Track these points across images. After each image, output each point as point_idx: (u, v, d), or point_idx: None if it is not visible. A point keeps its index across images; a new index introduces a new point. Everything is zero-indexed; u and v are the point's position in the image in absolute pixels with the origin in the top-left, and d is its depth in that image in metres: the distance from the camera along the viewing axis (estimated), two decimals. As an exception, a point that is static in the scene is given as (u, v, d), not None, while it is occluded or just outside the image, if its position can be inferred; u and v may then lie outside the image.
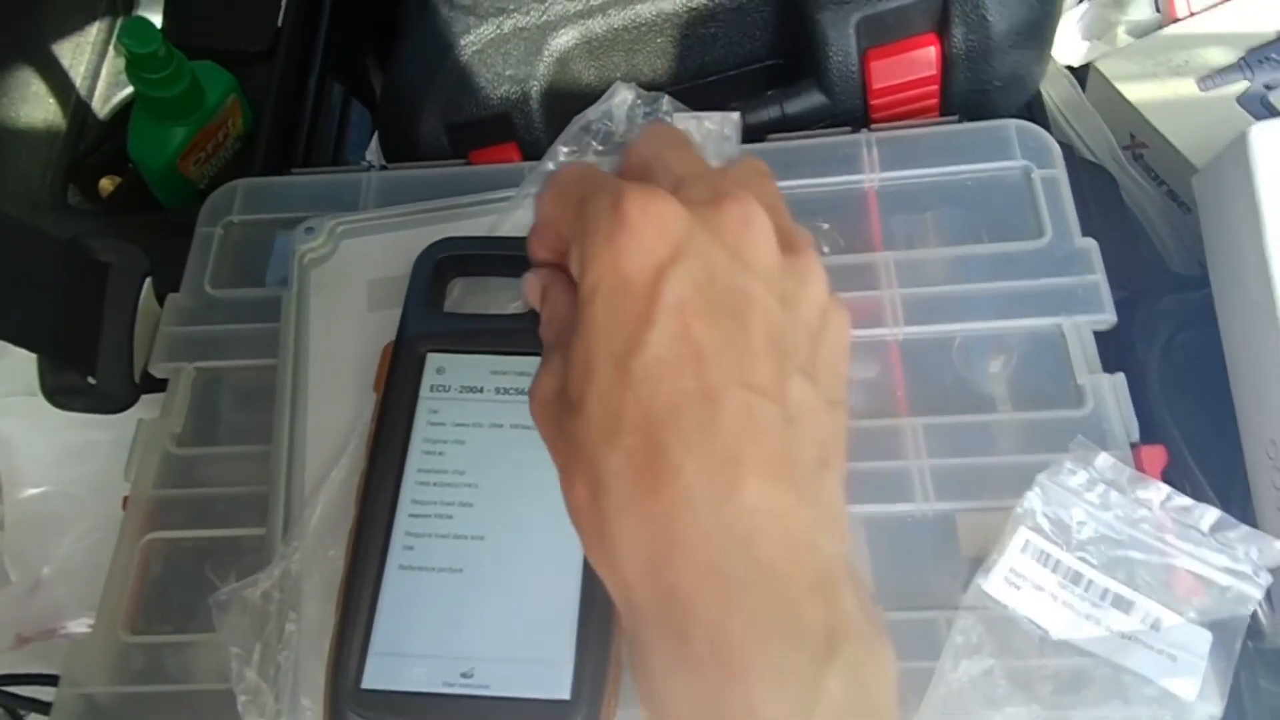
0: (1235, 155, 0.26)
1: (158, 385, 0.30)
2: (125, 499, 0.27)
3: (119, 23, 0.42)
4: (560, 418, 0.18)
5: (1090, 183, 0.35)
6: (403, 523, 0.23)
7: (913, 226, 0.30)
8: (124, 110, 0.40)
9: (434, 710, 0.21)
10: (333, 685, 0.22)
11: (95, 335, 0.28)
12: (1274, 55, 0.37)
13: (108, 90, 0.41)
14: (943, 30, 0.30)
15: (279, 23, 0.41)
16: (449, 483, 0.24)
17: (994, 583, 0.24)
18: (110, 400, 0.29)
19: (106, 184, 0.40)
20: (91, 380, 0.28)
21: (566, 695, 0.21)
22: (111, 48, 0.41)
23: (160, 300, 0.31)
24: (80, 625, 0.30)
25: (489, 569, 0.23)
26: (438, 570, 0.23)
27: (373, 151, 0.41)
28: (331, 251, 0.30)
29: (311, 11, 0.42)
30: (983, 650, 0.23)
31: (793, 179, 0.30)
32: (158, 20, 0.41)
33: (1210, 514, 0.23)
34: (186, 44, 0.36)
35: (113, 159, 0.40)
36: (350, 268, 0.29)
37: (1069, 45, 0.44)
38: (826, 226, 0.30)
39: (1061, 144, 0.36)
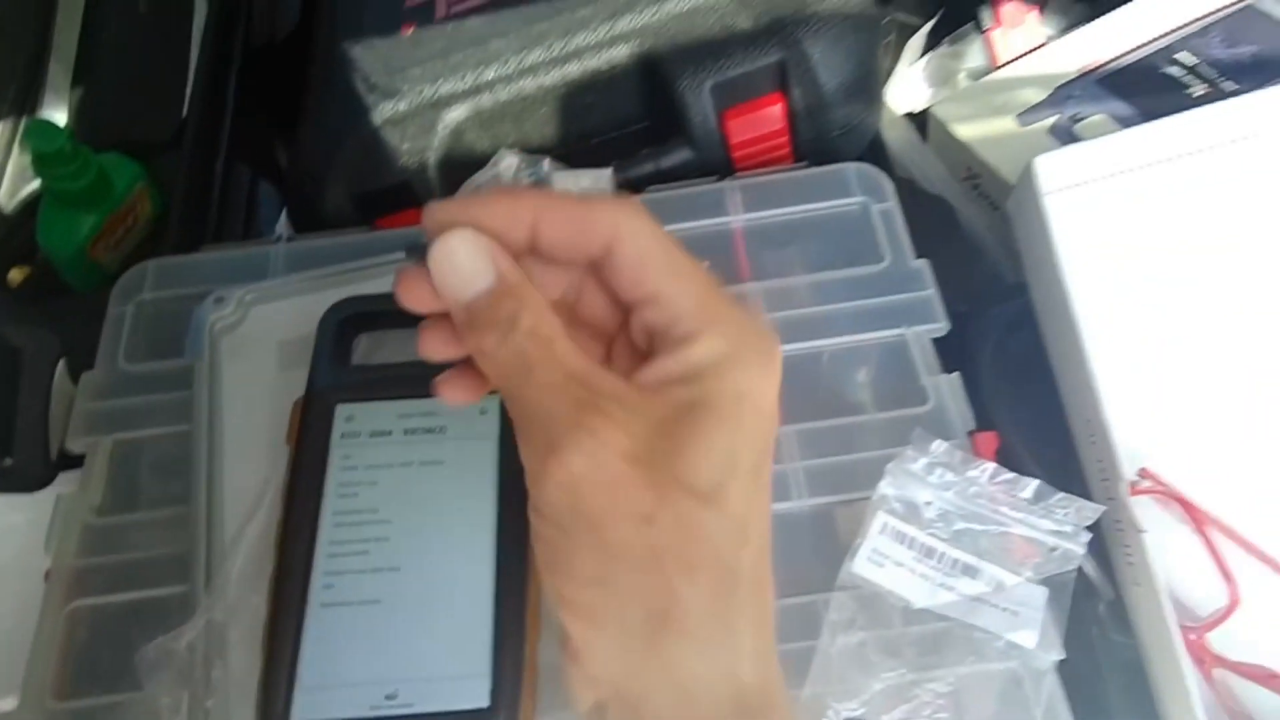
0: (1028, 181, 0.31)
1: (75, 462, 0.31)
2: (47, 572, 0.28)
3: (23, 121, 0.43)
4: (664, 499, 0.17)
5: (930, 211, 0.41)
6: (321, 563, 0.25)
7: (776, 259, 0.34)
8: (32, 203, 0.41)
9: (362, 734, 0.23)
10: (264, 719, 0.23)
11: (11, 417, 0.30)
12: (1076, 91, 0.43)
13: (14, 184, 0.42)
14: (785, 90, 0.35)
15: (183, 113, 0.43)
16: (364, 521, 0.26)
17: (860, 564, 0.27)
18: (28, 480, 0.30)
19: (16, 275, 0.41)
20: (9, 461, 0.29)
21: (486, 703, 0.23)
22: (16, 144, 0.43)
23: (75, 381, 0.32)
24: (6, 704, 0.30)
25: (406, 597, 0.25)
26: (358, 603, 0.25)
27: (282, 226, 0.43)
28: (241, 319, 0.32)
29: (216, 99, 0.45)
30: (856, 624, 0.26)
31: (669, 224, 0.34)
32: (62, 115, 0.43)
33: (1031, 484, 0.27)
34: (93, 139, 0.38)
35: (21, 249, 0.41)
36: (260, 332, 0.31)
37: (912, 93, 0.50)
38: (706, 264, 0.34)
39: (904, 179, 0.41)
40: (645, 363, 0.18)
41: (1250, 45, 0.40)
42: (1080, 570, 0.29)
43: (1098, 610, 0.31)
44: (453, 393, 0.20)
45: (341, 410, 0.27)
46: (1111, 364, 0.30)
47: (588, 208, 0.18)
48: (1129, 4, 0.43)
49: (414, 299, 0.19)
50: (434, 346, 0.19)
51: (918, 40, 0.52)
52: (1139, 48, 0.42)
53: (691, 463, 0.17)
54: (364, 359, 0.30)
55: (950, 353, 0.32)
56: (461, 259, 0.18)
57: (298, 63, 0.43)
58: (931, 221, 0.40)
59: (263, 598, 0.25)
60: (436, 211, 0.18)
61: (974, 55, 0.50)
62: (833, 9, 0.34)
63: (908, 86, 0.51)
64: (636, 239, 0.18)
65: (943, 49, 0.52)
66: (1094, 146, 0.32)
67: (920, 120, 0.46)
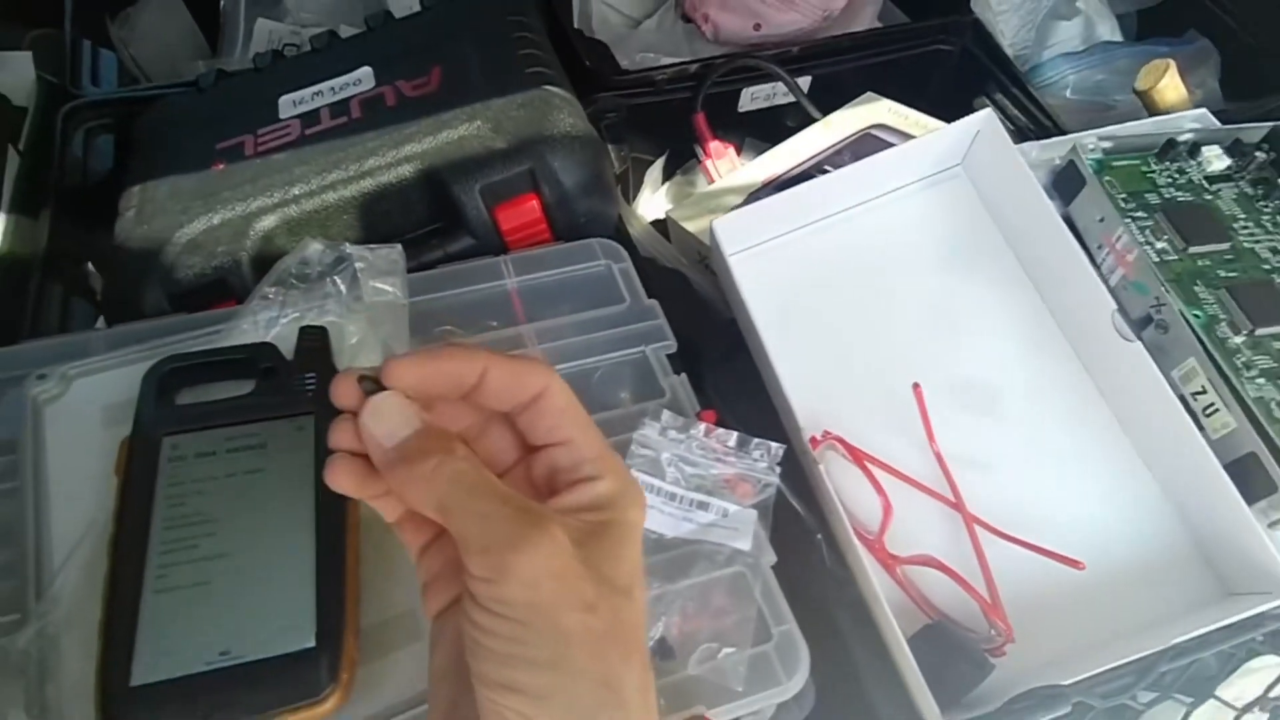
0: (715, 238, 0.43)
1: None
2: None
3: None
4: (600, 593, 0.20)
5: (669, 278, 0.53)
6: (154, 559, 0.28)
7: (546, 308, 0.43)
8: None
9: (197, 687, 0.26)
10: (103, 689, 0.25)
11: None
12: (762, 195, 0.57)
13: None
14: (537, 190, 0.46)
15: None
16: (193, 522, 0.30)
17: (621, 510, 0.34)
18: None
19: None
20: None
21: (312, 643, 0.27)
22: None
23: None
24: None
25: (235, 576, 0.29)
26: (190, 586, 0.28)
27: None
28: (64, 391, 0.35)
29: (28, 232, 0.48)
30: (622, 556, 0.33)
31: (459, 289, 0.43)
32: None
33: (734, 435, 0.36)
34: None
35: None
36: (84, 399, 0.35)
37: (657, 207, 0.64)
38: (495, 324, 0.43)
39: (648, 259, 0.53)
40: (553, 495, 0.23)
41: (867, 156, 0.57)
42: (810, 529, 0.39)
43: (824, 557, 0.40)
44: (344, 479, 0.23)
45: (168, 441, 0.32)
46: (789, 362, 0.41)
47: (527, 364, 0.23)
48: (791, 139, 0.60)
49: (346, 400, 0.22)
50: (340, 477, 0.23)
51: (657, 171, 0.67)
52: (800, 164, 0.58)
53: (612, 567, 0.21)
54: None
55: (686, 363, 0.42)
56: (388, 413, 0.22)
57: (111, 201, 0.49)
58: (672, 285, 0.52)
59: (97, 606, 0.28)
60: (397, 366, 0.22)
61: (700, 181, 0.65)
62: (563, 133, 0.46)
63: (656, 203, 0.66)
64: (560, 394, 0.23)
65: (677, 177, 0.68)
66: (753, 207, 0.45)
67: (663, 224, 0.59)
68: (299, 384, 0.34)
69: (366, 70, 0.52)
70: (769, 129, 0.67)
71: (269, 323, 0.37)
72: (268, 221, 0.45)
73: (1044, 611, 0.36)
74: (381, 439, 0.21)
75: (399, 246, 0.40)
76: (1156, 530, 0.38)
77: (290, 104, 0.51)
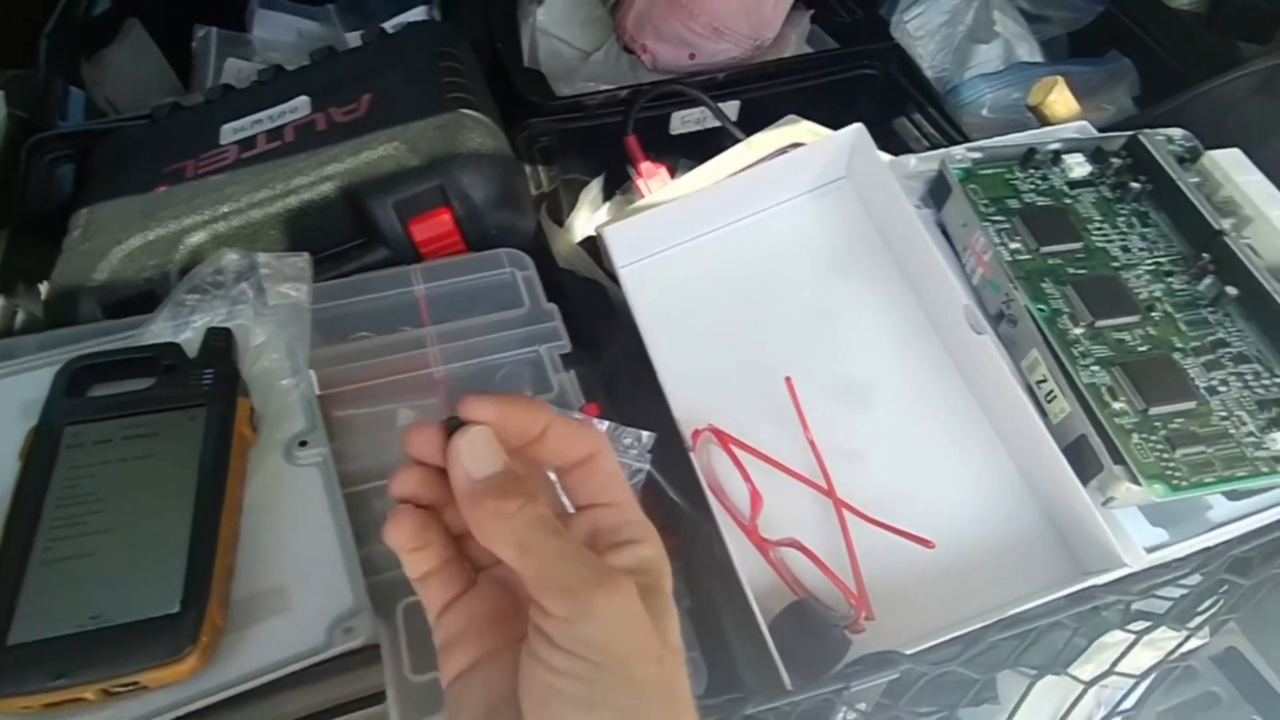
0: (603, 247, 0.46)
1: None
2: None
3: None
4: (664, 648, 0.21)
5: (585, 289, 0.55)
6: (43, 533, 0.31)
7: (453, 311, 0.46)
8: None
9: (66, 646, 0.29)
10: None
11: None
12: (687, 211, 0.61)
13: None
14: (449, 204, 0.49)
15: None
16: (83, 501, 0.32)
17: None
18: None
19: None
20: None
21: (176, 609, 0.30)
22: None
23: None
24: None
25: (114, 549, 0.31)
26: (73, 558, 0.31)
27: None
28: (-16, 391, 0.38)
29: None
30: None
31: (369, 295, 0.46)
32: None
33: (606, 424, 0.39)
34: None
35: None
36: (6, 396, 0.38)
37: (594, 224, 0.67)
38: (407, 329, 0.46)
39: (566, 270, 0.56)
40: (605, 555, 0.23)
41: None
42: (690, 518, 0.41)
43: (715, 547, 0.42)
44: (400, 535, 0.23)
45: (70, 430, 0.34)
46: (675, 362, 0.43)
47: (584, 427, 0.24)
48: (715, 158, 0.63)
49: (418, 449, 0.23)
50: (404, 524, 0.24)
51: (595, 190, 0.71)
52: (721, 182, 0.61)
53: (664, 627, 0.22)
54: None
55: (589, 363, 0.44)
56: (481, 446, 0.22)
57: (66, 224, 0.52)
58: (587, 294, 0.55)
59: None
60: (477, 403, 0.23)
61: (637, 201, 0.68)
62: (473, 151, 0.49)
63: (596, 221, 0.69)
64: (610, 458, 0.24)
65: (617, 197, 0.71)
66: (644, 217, 0.47)
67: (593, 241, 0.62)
68: (196, 379, 0.37)
69: (304, 99, 0.56)
70: (701, 151, 0.69)
71: (179, 326, 0.40)
72: (198, 237, 0.48)
73: (906, 591, 0.38)
74: (471, 470, 0.22)
75: (306, 255, 0.43)
76: (1016, 513, 0.40)
77: (231, 131, 0.55)
